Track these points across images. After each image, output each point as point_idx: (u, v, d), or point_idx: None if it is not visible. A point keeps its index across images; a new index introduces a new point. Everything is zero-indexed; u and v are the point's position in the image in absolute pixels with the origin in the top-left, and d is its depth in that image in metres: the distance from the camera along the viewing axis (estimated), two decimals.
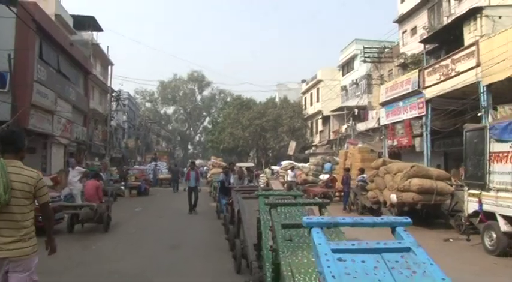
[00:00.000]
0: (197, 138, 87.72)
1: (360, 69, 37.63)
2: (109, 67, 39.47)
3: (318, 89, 46.76)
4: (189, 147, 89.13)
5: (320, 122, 45.64)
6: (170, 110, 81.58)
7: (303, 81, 54.45)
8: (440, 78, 18.69)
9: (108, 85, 33.96)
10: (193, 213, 15.16)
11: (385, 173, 12.88)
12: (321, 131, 45.55)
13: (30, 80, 16.67)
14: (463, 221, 10.26)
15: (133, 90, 68.87)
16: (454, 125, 19.89)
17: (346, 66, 42.37)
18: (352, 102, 37.25)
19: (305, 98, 51.70)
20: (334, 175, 21.70)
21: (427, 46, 23.32)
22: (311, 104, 48.95)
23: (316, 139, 46.48)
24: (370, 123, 33.17)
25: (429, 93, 19.68)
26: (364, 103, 35.37)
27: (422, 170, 11.74)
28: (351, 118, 34.33)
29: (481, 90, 16.09)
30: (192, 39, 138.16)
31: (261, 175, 29.89)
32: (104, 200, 12.00)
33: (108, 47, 44.64)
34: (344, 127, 35.54)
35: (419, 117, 22.79)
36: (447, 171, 16.13)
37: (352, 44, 39.68)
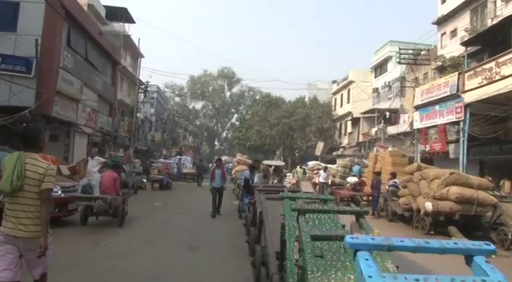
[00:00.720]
0: (224, 134, 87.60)
1: (394, 71, 36.57)
2: (139, 59, 39.48)
3: (349, 90, 45.85)
4: (216, 143, 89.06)
5: (349, 123, 44.73)
6: (199, 105, 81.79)
7: (334, 82, 53.61)
8: (482, 82, 17.62)
9: (136, 76, 33.65)
10: (217, 215, 13.60)
11: (420, 179, 11.97)
12: (349, 133, 44.63)
13: (56, 66, 16.40)
14: (510, 236, 9.38)
15: (162, 84, 69.03)
16: (493, 133, 18.83)
17: (380, 68, 41.30)
18: (384, 105, 36.29)
19: (335, 98, 50.82)
20: (363, 178, 20.83)
21: (468, 48, 22.13)
22: (341, 105, 48.04)
23: (345, 141, 45.61)
24: (402, 127, 32.15)
25: (469, 97, 18.61)
26: (396, 106, 34.36)
27: (462, 178, 10.80)
28: (382, 121, 33.26)
29: None
30: (224, 34, 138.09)
31: (288, 174, 29.13)
32: (122, 193, 11.53)
33: (139, 39, 44.53)
34: (374, 129, 34.45)
35: (456, 123, 21.74)
36: None
37: (386, 45, 38.71)
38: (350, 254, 3.31)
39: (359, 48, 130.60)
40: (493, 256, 6.67)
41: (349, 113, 43.98)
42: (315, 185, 24.45)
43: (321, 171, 22.68)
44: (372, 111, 38.13)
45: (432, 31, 29.71)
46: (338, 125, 48.42)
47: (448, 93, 20.04)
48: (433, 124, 22.13)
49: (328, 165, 29.65)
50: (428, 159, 25.60)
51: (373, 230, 3.79)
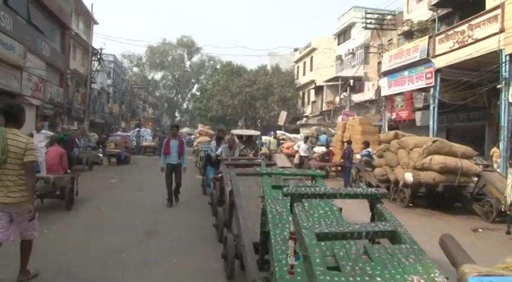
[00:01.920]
0: (185, 105, 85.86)
1: (358, 38, 35.92)
2: (92, 25, 37.17)
3: (311, 58, 45.01)
4: (177, 114, 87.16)
5: (313, 92, 44.14)
6: (158, 75, 79.39)
7: (296, 49, 52.80)
8: (453, 46, 16.99)
9: (89, 43, 31.50)
10: (175, 202, 10.49)
11: (399, 147, 11.15)
12: (313, 102, 44.11)
13: None
14: (495, 207, 8.74)
15: (119, 54, 66.24)
16: (463, 99, 18.36)
17: (343, 35, 40.53)
18: (348, 73, 35.69)
19: (298, 66, 50.01)
20: (331, 148, 20.12)
21: (438, 11, 21.41)
22: (304, 74, 47.30)
23: (308, 110, 45.11)
24: (367, 95, 31.71)
25: (439, 62, 18.02)
26: (360, 74, 33.77)
27: (446, 146, 10.02)
28: (348, 89, 32.63)
29: (503, 60, 14.42)
30: (182, 2, 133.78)
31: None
32: (71, 171, 10.25)
33: (92, 4, 41.91)
34: (340, 97, 33.80)
35: (423, 90, 21.24)
36: None
37: (350, 11, 37.90)
38: (378, 262, 2.32)
39: (321, 15, 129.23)
40: (480, 230, 5.88)
41: (312, 81, 43.29)
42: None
43: (301, 142, 19.75)
44: (335, 79, 37.57)
45: None
46: (301, 94, 47.79)
47: (418, 58, 19.42)
48: (401, 90, 21.54)
49: (293, 135, 28.90)
50: (395, 127, 25.16)
51: (397, 221, 2.79)
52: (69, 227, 7.64)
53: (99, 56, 31.05)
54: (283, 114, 42.70)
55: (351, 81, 33.73)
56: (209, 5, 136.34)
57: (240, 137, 18.28)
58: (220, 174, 8.13)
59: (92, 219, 8.38)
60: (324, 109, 40.01)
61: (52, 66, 22.10)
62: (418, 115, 23.89)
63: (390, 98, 25.33)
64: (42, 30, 20.09)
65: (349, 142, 15.48)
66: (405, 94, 24.07)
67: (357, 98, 32.47)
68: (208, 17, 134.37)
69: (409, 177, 10.06)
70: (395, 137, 11.79)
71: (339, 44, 40.84)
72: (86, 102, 30.16)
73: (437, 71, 18.15)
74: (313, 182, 4.74)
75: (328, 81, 39.08)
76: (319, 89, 42.32)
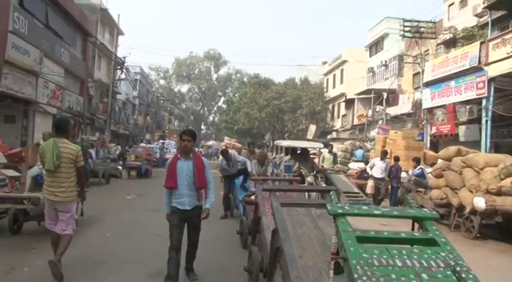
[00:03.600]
0: (211, 118, 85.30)
1: (391, 49, 34.21)
2: (118, 36, 36.65)
3: (342, 70, 43.52)
4: (202, 127, 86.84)
5: (343, 105, 42.56)
6: (184, 88, 79.74)
7: (324, 62, 51.44)
8: (511, 52, 15.12)
9: (113, 52, 30.58)
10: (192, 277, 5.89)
11: (464, 166, 9.30)
12: (343, 115, 42.49)
13: (3, 29, 13.39)
14: None
15: (146, 66, 66.13)
16: None
17: (375, 46, 38.99)
18: (380, 85, 33.96)
19: (327, 79, 48.58)
20: None
21: (485, 17, 19.59)
22: (333, 86, 45.77)
23: (338, 124, 43.52)
24: (402, 108, 29.89)
25: (493, 70, 16.13)
26: (393, 86, 32.02)
27: None
28: (384, 101, 30.88)
29: None
30: (210, 15, 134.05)
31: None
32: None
33: (119, 14, 41.42)
34: (376, 109, 32.03)
35: (467, 102, 19.37)
36: None
37: (383, 22, 36.36)
38: None
39: (351, 26, 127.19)
40: None
41: (343, 94, 41.65)
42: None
43: (376, 159, 14.41)
44: (367, 92, 35.90)
45: (436, 3, 27.28)
46: (330, 107, 46.18)
47: (468, 66, 17.58)
48: (447, 102, 19.65)
49: (323, 149, 27.14)
50: (435, 142, 23.37)
51: None
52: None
53: (122, 65, 29.98)
54: (313, 128, 41.18)
55: (385, 94, 31.98)
56: (236, 16, 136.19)
57: (292, 151, 14.33)
58: (253, 197, 6.58)
59: (92, 250, 6.74)
60: (355, 123, 38.25)
61: (71, 74, 21.04)
62: (461, 129, 21.88)
63: (430, 111, 23.51)
64: (61, 35, 19.00)
65: (397, 158, 13.66)
66: (447, 107, 22.16)
67: (391, 111, 30.63)
68: (235, 28, 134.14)
69: (480, 202, 8.25)
70: (458, 154, 9.96)
71: (370, 56, 39.36)
72: (108, 112, 29.09)
73: (491, 80, 16.28)
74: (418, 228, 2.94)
75: (359, 94, 37.47)
76: (349, 102, 40.70)
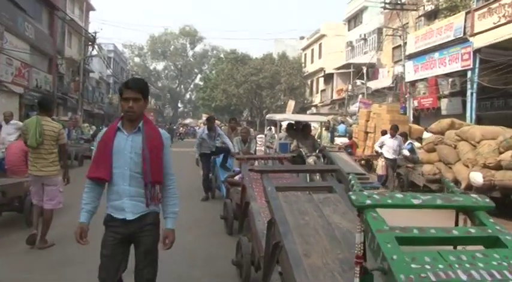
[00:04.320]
0: (188, 96, 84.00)
1: (370, 23, 33.64)
2: (88, 12, 35.18)
3: (320, 45, 42.96)
4: (179, 105, 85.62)
5: (322, 80, 42.01)
6: (160, 65, 77.83)
7: (302, 37, 50.75)
8: (498, 21, 14.64)
9: (84, 27, 29.17)
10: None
11: (459, 139, 8.79)
12: (322, 90, 41.97)
13: None
14: None
15: (120, 43, 64.36)
16: (504, 84, 16.11)
17: (354, 20, 38.42)
18: (360, 60, 33.48)
19: (305, 54, 47.94)
20: (353, 139, 17.89)
21: None
22: (312, 61, 45.24)
23: (317, 99, 43.11)
24: (381, 82, 29.53)
25: (479, 41, 15.68)
26: (373, 60, 31.57)
27: None
28: (365, 75, 30.45)
29: None
30: None
31: (259, 137, 25.91)
32: None
33: None
34: (357, 84, 31.57)
35: (449, 74, 19.01)
36: None
37: None
38: None
39: (327, 0, 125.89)
40: None
41: (322, 69, 41.13)
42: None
43: (385, 137, 12.18)
44: (346, 66, 35.38)
45: None
46: (309, 82, 45.67)
47: (452, 38, 17.09)
48: (431, 75, 19.25)
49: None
50: (416, 116, 23.11)
51: None
52: (21, 259, 5.41)
53: (93, 41, 28.66)
54: (291, 104, 40.49)
55: (364, 68, 31.53)
56: None
57: (290, 126, 12.26)
58: (237, 177, 5.94)
59: (59, 244, 6.00)
60: (334, 98, 37.82)
61: (38, 50, 19.83)
62: (444, 103, 21.57)
63: (412, 85, 23.12)
64: (23, 8, 17.75)
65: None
66: (429, 80, 21.78)
67: (371, 85, 30.22)
68: (210, 1, 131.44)
69: (477, 177, 7.77)
70: (451, 127, 9.48)
71: (349, 30, 38.80)
72: (80, 90, 27.88)
73: (476, 51, 15.84)
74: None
75: (338, 68, 36.94)
76: (328, 77, 40.20)
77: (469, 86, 16.51)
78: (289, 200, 3.22)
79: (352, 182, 2.15)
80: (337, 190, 3.50)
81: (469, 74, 16.45)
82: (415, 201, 1.89)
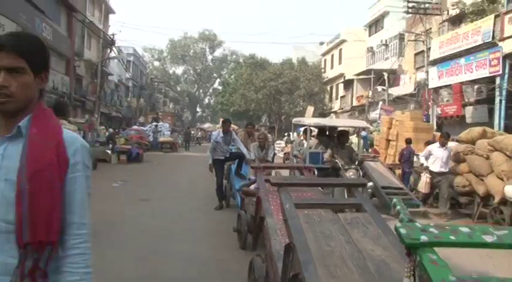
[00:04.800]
0: (206, 100, 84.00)
1: (391, 28, 33.03)
2: (109, 15, 35.20)
3: (340, 50, 42.32)
4: (198, 109, 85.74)
5: (341, 86, 41.52)
6: (179, 70, 77.93)
7: (321, 43, 50.10)
8: None
9: (102, 29, 29.10)
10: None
11: (491, 150, 8.13)
12: (342, 97, 41.35)
13: None
14: None
15: (140, 47, 64.68)
16: None
17: (375, 25, 37.85)
18: (380, 66, 32.77)
19: (325, 60, 47.42)
20: (375, 147, 17.27)
21: None
22: (332, 67, 44.64)
23: (336, 105, 42.50)
24: (404, 88, 28.80)
25: (509, 46, 15.00)
26: (394, 66, 30.90)
27: None
28: (386, 81, 29.75)
29: None
30: None
31: (278, 142, 25.45)
32: None
33: None
34: (378, 90, 30.90)
35: (474, 81, 18.27)
36: None
37: None
38: None
39: (350, 4, 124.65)
40: None
41: (342, 75, 40.59)
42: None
43: (433, 146, 10.03)
44: (366, 72, 34.78)
45: None
46: (328, 88, 45.06)
47: (480, 42, 16.41)
48: (456, 81, 18.52)
49: None
50: (439, 124, 22.33)
51: None
52: None
53: (112, 43, 28.54)
54: (310, 110, 39.81)
55: (385, 74, 30.86)
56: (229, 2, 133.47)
57: (322, 132, 10.73)
58: (253, 187, 5.49)
59: None
60: (354, 104, 37.15)
61: (55, 52, 19.67)
62: (468, 110, 20.77)
63: (435, 92, 22.40)
64: (42, 9, 17.59)
65: (409, 141, 12.44)
66: (453, 87, 21.05)
67: (393, 92, 29.52)
68: (229, 5, 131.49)
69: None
70: (483, 136, 8.86)
71: (370, 35, 38.21)
72: (97, 93, 27.76)
73: (506, 56, 15.16)
74: None
75: (358, 74, 36.40)
76: (348, 83, 39.61)
77: (497, 93, 15.80)
78: (311, 220, 2.74)
79: (398, 207, 1.68)
80: (367, 208, 2.99)
81: (497, 80, 15.73)
82: (488, 239, 1.40)
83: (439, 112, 22.44)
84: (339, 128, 10.65)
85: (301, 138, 11.12)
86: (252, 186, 6.25)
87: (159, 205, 9.43)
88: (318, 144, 9.95)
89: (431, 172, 9.62)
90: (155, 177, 14.88)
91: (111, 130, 25.94)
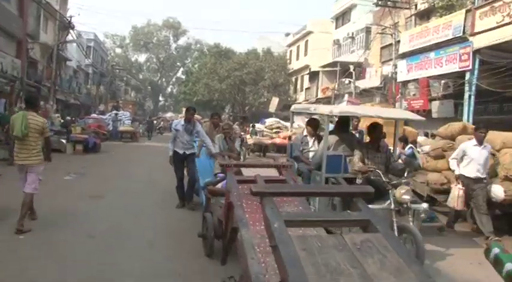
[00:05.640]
0: (169, 89, 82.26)
1: (358, 21, 32.95)
2: None
3: (306, 42, 42.18)
4: (160, 98, 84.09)
5: (307, 78, 41.33)
6: (142, 57, 75.82)
7: (287, 34, 49.91)
8: (502, 21, 13.74)
9: (60, 11, 27.45)
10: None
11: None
12: (307, 88, 41.20)
13: None
14: None
15: (102, 33, 62.42)
16: (502, 88, 15.25)
17: (342, 18, 37.72)
18: (347, 58, 32.77)
19: (291, 51, 47.15)
20: None
21: None
22: (297, 58, 44.51)
23: (301, 97, 42.25)
24: (369, 82, 28.74)
25: (479, 41, 14.77)
26: (360, 59, 30.80)
27: None
28: (353, 74, 29.62)
29: None
30: None
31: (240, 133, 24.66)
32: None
33: None
34: (345, 82, 30.67)
35: (441, 76, 18.13)
36: None
37: None
38: None
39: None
40: None
41: (307, 67, 40.36)
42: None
43: (467, 144, 7.57)
44: (332, 64, 34.62)
45: None
46: (293, 80, 44.84)
47: (451, 37, 16.18)
48: (425, 75, 18.36)
49: (287, 123, 25.57)
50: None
51: None
52: None
53: (69, 25, 26.97)
54: (275, 101, 39.74)
55: (351, 67, 30.70)
56: None
57: (340, 126, 7.76)
58: (221, 185, 4.80)
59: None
60: (319, 96, 36.96)
61: (3, 31, 18.19)
62: (435, 105, 20.72)
63: (403, 85, 22.24)
64: None
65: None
66: (420, 81, 20.92)
67: (359, 85, 29.37)
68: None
69: (498, 191, 6.73)
70: (464, 132, 8.41)
71: (336, 28, 38.11)
72: (52, 78, 26.21)
73: (476, 51, 14.94)
74: None
75: (324, 66, 36.16)
76: (314, 75, 39.46)
77: (466, 88, 15.59)
78: (310, 246, 2.03)
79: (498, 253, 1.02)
80: (378, 227, 2.31)
81: (467, 75, 15.51)
82: None
83: (406, 106, 22.30)
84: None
85: (305, 133, 7.84)
86: (220, 185, 5.50)
87: (113, 202, 8.55)
88: (339, 142, 7.07)
89: (466, 178, 7.29)
90: (112, 169, 13.89)
91: (68, 118, 24.62)
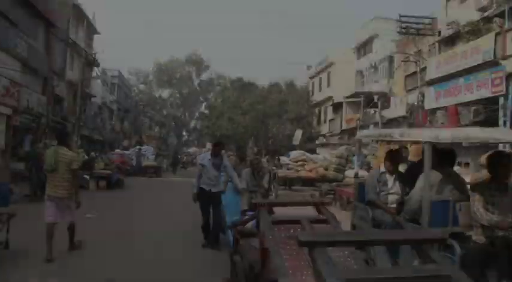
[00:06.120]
0: (192, 124, 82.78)
1: (380, 51, 32.62)
2: (93, 35, 34.23)
3: (329, 73, 41.99)
4: (184, 133, 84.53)
5: (330, 109, 40.87)
6: (165, 93, 76.72)
7: (309, 67, 49.70)
8: None
9: (85, 49, 27.99)
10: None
11: None
12: (331, 120, 40.69)
13: None
14: None
15: (126, 70, 63.74)
16: None
17: (363, 48, 37.50)
18: (370, 88, 32.46)
19: (313, 82, 46.83)
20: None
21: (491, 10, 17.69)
22: (320, 90, 44.21)
23: (324, 128, 41.82)
24: (394, 111, 28.15)
25: None
26: (384, 89, 30.39)
27: None
28: (379, 104, 29.15)
29: None
30: (192, 19, 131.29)
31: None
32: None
33: (94, 12, 38.87)
34: (371, 112, 30.20)
35: (475, 103, 17.49)
36: None
37: (371, 21, 34.60)
38: None
39: (333, 30, 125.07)
40: None
41: (330, 98, 39.96)
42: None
43: None
44: (355, 95, 34.27)
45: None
46: (317, 111, 44.39)
47: (480, 61, 15.68)
48: (456, 102, 17.71)
49: (313, 156, 25.09)
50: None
51: None
52: None
53: (93, 62, 27.40)
54: (299, 133, 39.37)
55: (375, 97, 30.27)
56: (218, 20, 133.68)
57: (442, 156, 5.03)
58: (251, 224, 4.34)
59: None
60: (343, 127, 36.42)
61: (31, 69, 18.43)
62: None
63: (424, 114, 21.58)
64: (15, 22, 16.37)
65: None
66: (449, 108, 20.29)
67: (385, 114, 28.84)
68: (217, 32, 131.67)
69: None
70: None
71: (358, 58, 37.85)
72: (77, 114, 26.45)
73: (509, 75, 14.40)
74: None
75: (348, 97, 35.77)
76: (337, 106, 39.17)
77: (501, 114, 14.96)
78: None
79: None
80: None
81: (501, 100, 14.91)
82: None
83: None
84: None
85: (381, 168, 6.10)
86: (250, 224, 4.97)
87: (133, 242, 8.11)
88: (444, 182, 4.90)
89: None
90: (135, 205, 13.55)
91: (92, 154, 24.61)
